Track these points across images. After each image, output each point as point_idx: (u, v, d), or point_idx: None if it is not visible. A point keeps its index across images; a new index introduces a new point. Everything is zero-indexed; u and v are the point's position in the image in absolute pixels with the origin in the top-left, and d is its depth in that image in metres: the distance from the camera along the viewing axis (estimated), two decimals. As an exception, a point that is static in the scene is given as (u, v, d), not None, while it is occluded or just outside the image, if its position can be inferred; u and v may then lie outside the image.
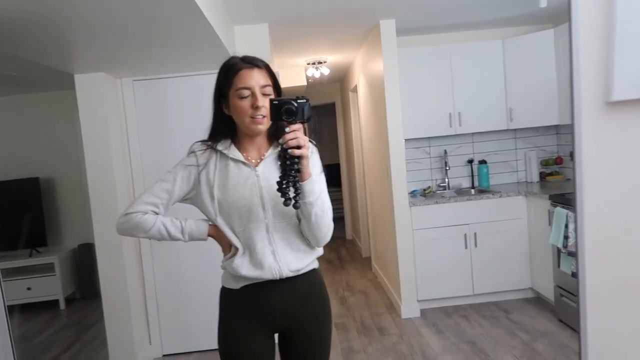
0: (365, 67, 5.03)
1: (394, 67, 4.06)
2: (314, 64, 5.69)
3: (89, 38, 2.46)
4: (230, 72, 1.51)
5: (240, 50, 3.66)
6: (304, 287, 1.60)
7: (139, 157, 3.66)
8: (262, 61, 1.55)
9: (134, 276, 3.55)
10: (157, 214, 1.58)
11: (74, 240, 5.57)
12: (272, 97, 1.51)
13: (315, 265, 1.65)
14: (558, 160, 4.63)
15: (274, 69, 3.98)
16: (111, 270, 3.41)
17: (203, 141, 1.59)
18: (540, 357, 3.14)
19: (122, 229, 1.58)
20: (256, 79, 1.49)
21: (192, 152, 1.59)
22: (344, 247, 7.13)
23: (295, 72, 6.06)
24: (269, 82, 1.52)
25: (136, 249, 3.61)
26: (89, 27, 2.26)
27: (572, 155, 0.80)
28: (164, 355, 3.72)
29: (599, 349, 0.80)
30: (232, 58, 1.55)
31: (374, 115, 4.72)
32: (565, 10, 3.81)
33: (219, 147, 1.56)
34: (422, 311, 4.13)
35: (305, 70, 5.99)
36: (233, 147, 1.56)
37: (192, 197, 1.60)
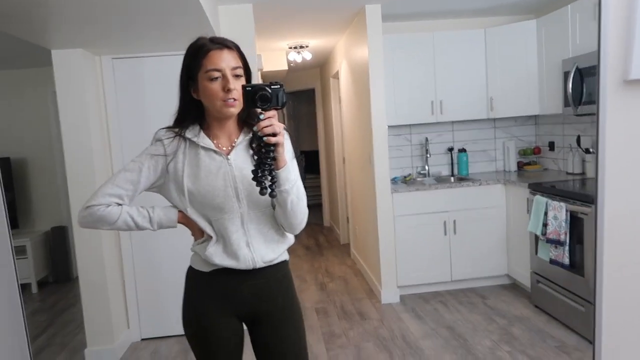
0: (348, 53, 5.00)
1: (379, 53, 4.04)
2: (295, 48, 5.63)
3: (68, 11, 2.36)
4: (199, 53, 1.43)
5: (224, 31, 3.60)
6: (274, 277, 1.58)
7: (119, 138, 3.56)
8: (232, 42, 1.48)
9: (112, 259, 3.48)
10: (120, 205, 1.51)
11: (47, 223, 5.43)
12: (243, 79, 1.46)
13: (286, 256, 1.63)
14: (536, 150, 4.71)
15: (256, 52, 3.95)
16: (89, 253, 3.32)
17: (169, 128, 1.51)
18: (517, 342, 3.21)
19: (84, 223, 1.51)
20: (227, 60, 1.43)
21: (158, 140, 1.50)
22: (322, 234, 7.14)
23: (277, 55, 5.99)
24: (239, 63, 1.46)
25: (114, 232, 3.53)
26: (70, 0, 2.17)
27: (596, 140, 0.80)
28: (142, 339, 3.67)
29: (615, 338, 0.80)
30: (200, 39, 1.48)
31: (357, 102, 4.71)
32: (548, 0, 3.82)
33: (188, 134, 1.49)
34: (402, 297, 4.17)
35: (287, 54, 5.93)
36: (202, 134, 1.50)
37: (159, 186, 1.54)
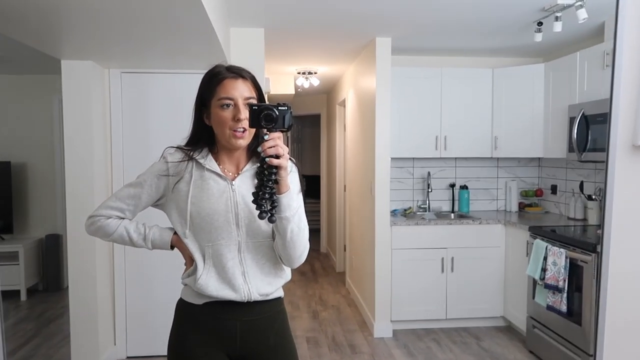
0: (356, 82, 5.03)
1: (386, 85, 4.06)
2: (304, 73, 5.67)
3: (85, 25, 2.38)
4: (214, 80, 1.44)
5: (235, 53, 3.63)
6: (268, 313, 1.53)
7: (120, 151, 3.55)
8: (248, 72, 1.48)
9: (104, 273, 3.43)
10: (122, 219, 1.53)
11: (42, 230, 5.39)
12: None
13: (281, 293, 1.58)
14: (538, 193, 4.69)
15: (265, 75, 3.97)
16: (81, 265, 3.28)
17: (179, 147, 1.51)
18: (509, 388, 3.14)
19: (88, 231, 1.57)
20: (240, 90, 1.42)
21: (164, 160, 1.50)
22: (318, 260, 7.07)
23: (285, 79, 6.04)
24: (253, 94, 1.45)
25: (109, 246, 3.49)
26: (88, 14, 2.18)
27: (601, 192, 0.78)
28: (128, 357, 3.59)
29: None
30: (217, 66, 1.48)
31: (362, 131, 4.71)
32: (557, 46, 3.86)
33: (196, 155, 1.48)
34: (394, 332, 4.10)
35: (295, 79, 5.97)
36: (211, 157, 1.49)
37: (161, 205, 1.54)
